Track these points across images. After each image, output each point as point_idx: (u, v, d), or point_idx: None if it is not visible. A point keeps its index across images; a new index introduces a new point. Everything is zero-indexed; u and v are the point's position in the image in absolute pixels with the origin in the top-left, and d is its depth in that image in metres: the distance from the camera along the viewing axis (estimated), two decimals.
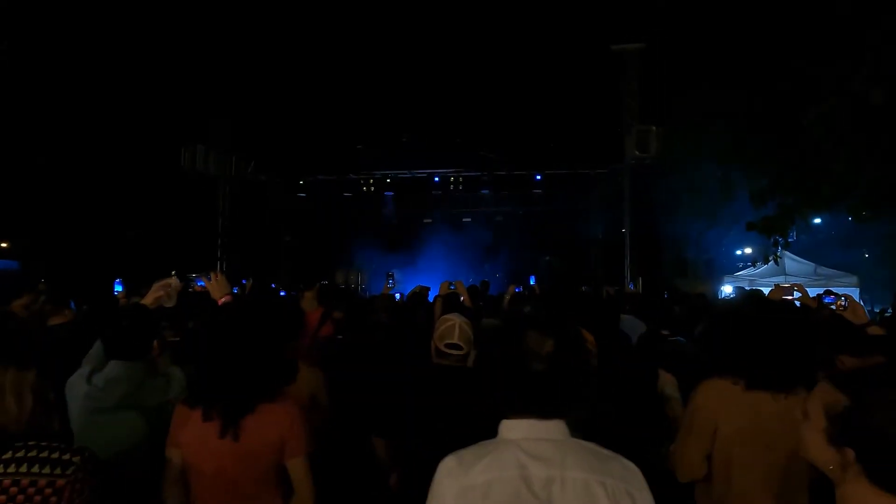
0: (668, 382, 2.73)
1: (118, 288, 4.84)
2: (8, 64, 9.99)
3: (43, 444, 1.33)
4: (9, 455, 1.28)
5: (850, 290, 10.33)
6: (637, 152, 10.44)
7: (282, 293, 6.82)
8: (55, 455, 1.31)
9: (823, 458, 1.08)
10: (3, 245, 15.57)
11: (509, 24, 11.82)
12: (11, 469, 1.27)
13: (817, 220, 8.80)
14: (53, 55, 11.40)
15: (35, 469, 1.28)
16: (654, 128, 10.48)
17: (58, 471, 1.29)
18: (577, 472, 1.19)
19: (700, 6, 9.89)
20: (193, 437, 1.78)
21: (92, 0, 10.50)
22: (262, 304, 2.43)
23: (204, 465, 1.78)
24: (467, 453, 1.28)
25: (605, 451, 1.26)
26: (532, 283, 8.03)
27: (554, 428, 1.26)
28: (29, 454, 1.30)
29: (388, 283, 5.68)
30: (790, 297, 3.32)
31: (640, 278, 11.09)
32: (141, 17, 11.34)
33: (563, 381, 1.27)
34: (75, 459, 1.32)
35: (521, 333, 1.30)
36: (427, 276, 15.02)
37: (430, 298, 5.56)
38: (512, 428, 1.27)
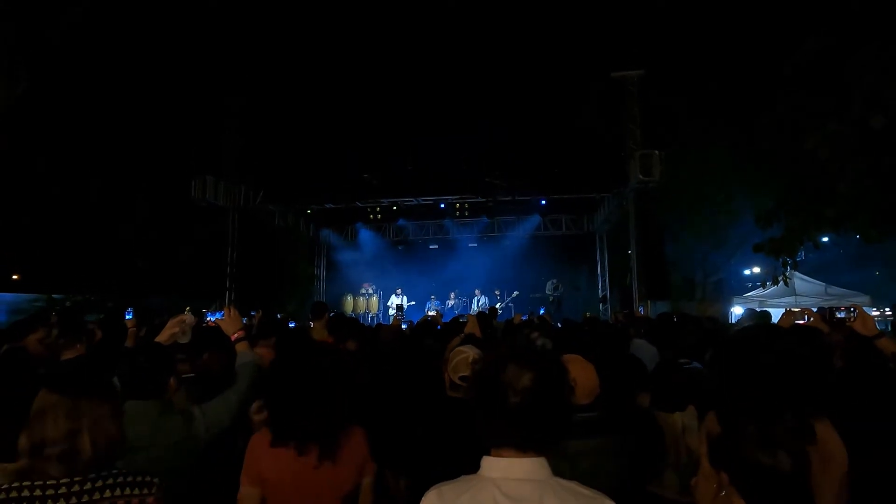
0: (686, 412, 2.69)
1: (128, 316, 4.84)
2: (24, 98, 10.25)
3: (123, 469, 1.52)
4: (100, 483, 1.46)
5: None
6: (641, 176, 10.54)
7: (291, 324, 6.83)
8: (139, 478, 1.52)
9: (711, 477, 1.22)
10: (14, 277, 15.70)
11: (513, 53, 12.07)
12: (108, 494, 1.45)
13: (825, 239, 8.75)
14: (66, 88, 11.69)
15: (127, 491, 1.47)
16: (656, 152, 10.60)
17: (145, 490, 1.51)
18: None
19: (696, 33, 10.10)
20: (285, 472, 1.86)
21: (103, 32, 10.77)
22: (327, 347, 2.63)
23: (294, 499, 1.87)
24: (448, 488, 1.27)
25: (586, 491, 1.23)
26: (542, 313, 8.07)
27: (533, 466, 1.23)
28: (118, 479, 1.48)
29: (397, 315, 5.73)
30: (801, 322, 3.30)
31: (649, 301, 11.03)
32: (149, 51, 11.64)
33: (541, 415, 1.23)
34: (156, 480, 1.54)
35: (500, 366, 1.27)
36: (433, 302, 15.04)
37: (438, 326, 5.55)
38: (492, 465, 1.25)
